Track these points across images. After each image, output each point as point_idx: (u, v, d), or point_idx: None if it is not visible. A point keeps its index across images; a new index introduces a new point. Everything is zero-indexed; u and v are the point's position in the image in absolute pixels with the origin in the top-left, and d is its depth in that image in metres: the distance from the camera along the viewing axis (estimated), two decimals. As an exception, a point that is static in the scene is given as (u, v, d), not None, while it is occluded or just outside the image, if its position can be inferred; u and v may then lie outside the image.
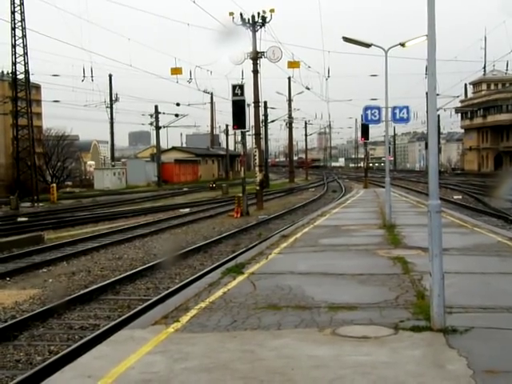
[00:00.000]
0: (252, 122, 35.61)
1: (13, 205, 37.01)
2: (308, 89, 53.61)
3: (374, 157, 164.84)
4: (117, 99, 66.53)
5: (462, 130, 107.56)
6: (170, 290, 11.43)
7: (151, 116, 69.27)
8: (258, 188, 32.95)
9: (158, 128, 69.81)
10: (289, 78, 63.91)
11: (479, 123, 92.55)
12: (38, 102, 79.04)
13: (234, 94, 27.37)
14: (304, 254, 12.42)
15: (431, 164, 6.53)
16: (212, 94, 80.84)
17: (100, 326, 9.36)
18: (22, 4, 43.36)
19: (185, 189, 59.39)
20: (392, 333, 6.37)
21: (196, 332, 6.63)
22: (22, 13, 43.49)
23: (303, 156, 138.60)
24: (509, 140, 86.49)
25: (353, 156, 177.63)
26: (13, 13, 43.40)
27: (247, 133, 33.38)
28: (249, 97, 30.59)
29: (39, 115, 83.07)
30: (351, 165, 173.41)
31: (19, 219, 28.39)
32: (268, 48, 33.42)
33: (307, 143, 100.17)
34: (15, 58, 44.18)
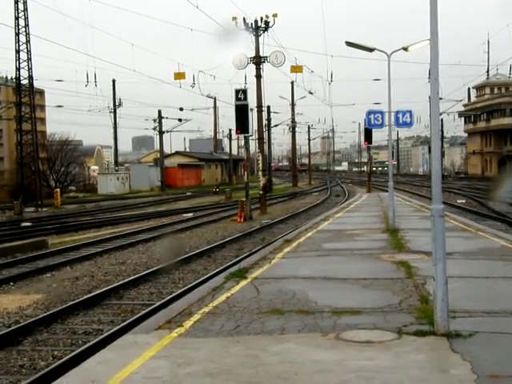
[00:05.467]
0: (255, 127, 35.62)
1: (17, 210, 37.08)
2: (311, 93, 53.65)
3: (378, 161, 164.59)
4: (120, 104, 66.68)
5: (466, 134, 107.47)
6: (174, 294, 11.43)
7: (154, 121, 69.47)
8: (261, 192, 32.93)
9: (161, 133, 69.93)
10: (292, 83, 64.03)
11: (483, 127, 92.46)
12: (42, 107, 79.28)
13: (237, 99, 27.42)
14: (307, 259, 12.41)
15: (434, 168, 6.53)
16: (215, 98, 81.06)
17: (103, 330, 9.36)
18: (25, 10, 43.56)
19: (188, 193, 59.43)
20: (396, 337, 6.36)
21: (199, 337, 6.62)
22: (26, 18, 43.70)
23: (301, 160, 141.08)
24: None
25: (356, 160, 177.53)
26: (17, 18, 43.60)
27: (250, 137, 33.35)
28: (252, 101, 30.69)
29: (43, 120, 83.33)
30: (354, 169, 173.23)
31: (23, 224, 28.43)
32: (271, 53, 33.46)
33: (311, 147, 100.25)
34: (19, 64, 44.37)
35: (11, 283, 13.71)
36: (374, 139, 38.71)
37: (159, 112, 69.14)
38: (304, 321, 7.14)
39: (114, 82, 66.49)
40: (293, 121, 71.24)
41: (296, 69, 41.55)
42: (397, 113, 18.09)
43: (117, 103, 66.25)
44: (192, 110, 68.68)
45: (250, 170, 35.72)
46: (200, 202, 46.15)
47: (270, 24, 32.87)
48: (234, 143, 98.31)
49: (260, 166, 33.65)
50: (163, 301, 10.87)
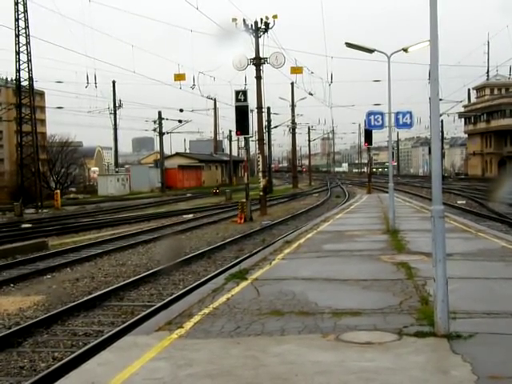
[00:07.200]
0: (255, 128, 35.61)
1: (17, 211, 37.09)
2: (311, 94, 53.68)
3: (378, 162, 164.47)
4: (120, 105, 66.68)
5: (466, 135, 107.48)
6: (174, 296, 11.42)
7: (155, 122, 69.49)
8: (261, 193, 32.93)
9: (161, 134, 69.95)
10: (292, 84, 64.00)
11: (483, 128, 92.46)
12: (42, 108, 79.29)
13: (238, 100, 27.42)
14: (307, 260, 12.41)
15: (434, 169, 6.53)
16: (215, 99, 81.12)
17: (104, 332, 9.35)
18: (25, 11, 43.60)
19: (188, 195, 59.46)
20: (396, 338, 6.35)
21: (200, 338, 6.62)
22: (26, 20, 43.74)
23: (301, 162, 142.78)
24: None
25: (356, 161, 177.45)
26: (17, 20, 43.64)
27: (250, 138, 33.34)
28: (252, 102, 30.69)
29: (43, 122, 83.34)
30: (354, 170, 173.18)
31: (23, 225, 28.43)
32: (271, 54, 33.46)
33: (311, 148, 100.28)
34: (19, 65, 44.41)
35: (11, 285, 13.70)
36: (374, 140, 38.65)
37: (159, 113, 69.19)
38: (304, 322, 7.14)
39: (114, 83, 66.54)
40: (293, 122, 71.29)
41: (296, 70, 41.58)
42: (397, 114, 18.10)
43: (117, 104, 66.29)
44: (192, 111, 68.83)
45: (250, 171, 35.73)
46: (200, 203, 46.16)
47: (270, 25, 32.90)
48: (234, 144, 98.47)
49: (260, 167, 33.67)
50: (163, 302, 10.86)
